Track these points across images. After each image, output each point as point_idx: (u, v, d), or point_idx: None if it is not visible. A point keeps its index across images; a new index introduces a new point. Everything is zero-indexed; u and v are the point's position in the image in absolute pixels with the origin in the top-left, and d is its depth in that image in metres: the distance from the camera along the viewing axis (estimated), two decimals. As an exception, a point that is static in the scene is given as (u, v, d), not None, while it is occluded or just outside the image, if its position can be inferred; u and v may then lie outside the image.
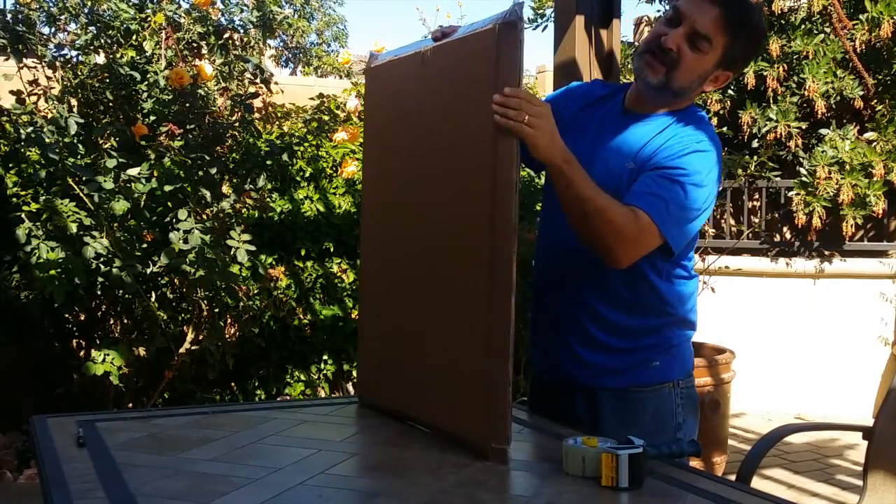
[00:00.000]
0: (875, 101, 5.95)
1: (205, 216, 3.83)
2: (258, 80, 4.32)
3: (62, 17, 4.24)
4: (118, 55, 4.09)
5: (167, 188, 3.85)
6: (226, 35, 4.24)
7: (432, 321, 1.80)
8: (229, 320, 4.62)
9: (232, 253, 3.74)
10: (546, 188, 2.07)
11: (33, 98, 3.97)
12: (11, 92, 3.94)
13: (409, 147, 1.92)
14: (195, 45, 4.22)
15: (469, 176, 1.69)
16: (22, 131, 3.76)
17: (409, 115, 1.92)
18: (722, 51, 1.82)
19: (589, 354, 1.91)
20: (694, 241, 1.90)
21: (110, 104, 4.08)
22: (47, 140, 3.60)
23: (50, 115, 3.85)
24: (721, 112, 6.03)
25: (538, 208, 4.78)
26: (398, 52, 1.98)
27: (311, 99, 5.17)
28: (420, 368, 1.85)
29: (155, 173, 3.88)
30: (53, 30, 4.23)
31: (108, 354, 3.84)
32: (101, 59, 4.06)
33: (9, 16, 3.85)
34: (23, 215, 3.66)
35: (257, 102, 4.34)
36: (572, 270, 1.92)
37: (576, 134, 1.87)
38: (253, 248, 3.81)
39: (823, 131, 5.78)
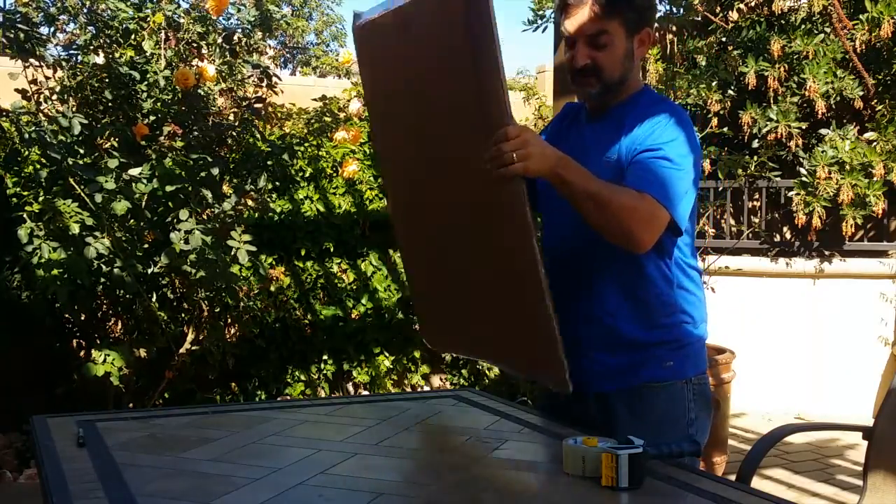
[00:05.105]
0: (875, 101, 5.94)
1: (205, 216, 3.83)
2: (263, 84, 4.31)
3: (61, 16, 4.23)
4: (117, 55, 4.09)
5: (168, 188, 3.84)
6: (234, 39, 4.24)
7: (477, 278, 1.92)
8: (229, 320, 4.62)
9: (233, 253, 3.74)
10: (547, 191, 2.08)
11: (40, 97, 3.96)
12: (17, 90, 3.93)
13: (407, 117, 1.99)
14: (195, 45, 4.21)
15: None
16: (25, 131, 3.75)
17: (399, 83, 1.97)
18: (622, 27, 1.88)
19: (600, 354, 1.90)
20: (694, 227, 1.93)
21: (109, 104, 4.07)
22: (51, 140, 3.60)
23: (52, 115, 3.84)
24: (721, 112, 6.02)
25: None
26: (380, 7, 1.97)
27: (314, 100, 5.16)
28: (477, 320, 1.99)
29: (156, 173, 3.88)
30: (53, 29, 4.22)
31: (108, 355, 3.84)
32: (100, 59, 4.05)
33: (9, 15, 3.84)
34: (24, 215, 3.66)
35: (258, 103, 4.34)
36: (578, 271, 1.93)
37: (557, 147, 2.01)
38: (254, 248, 3.81)
39: (823, 131, 5.77)
